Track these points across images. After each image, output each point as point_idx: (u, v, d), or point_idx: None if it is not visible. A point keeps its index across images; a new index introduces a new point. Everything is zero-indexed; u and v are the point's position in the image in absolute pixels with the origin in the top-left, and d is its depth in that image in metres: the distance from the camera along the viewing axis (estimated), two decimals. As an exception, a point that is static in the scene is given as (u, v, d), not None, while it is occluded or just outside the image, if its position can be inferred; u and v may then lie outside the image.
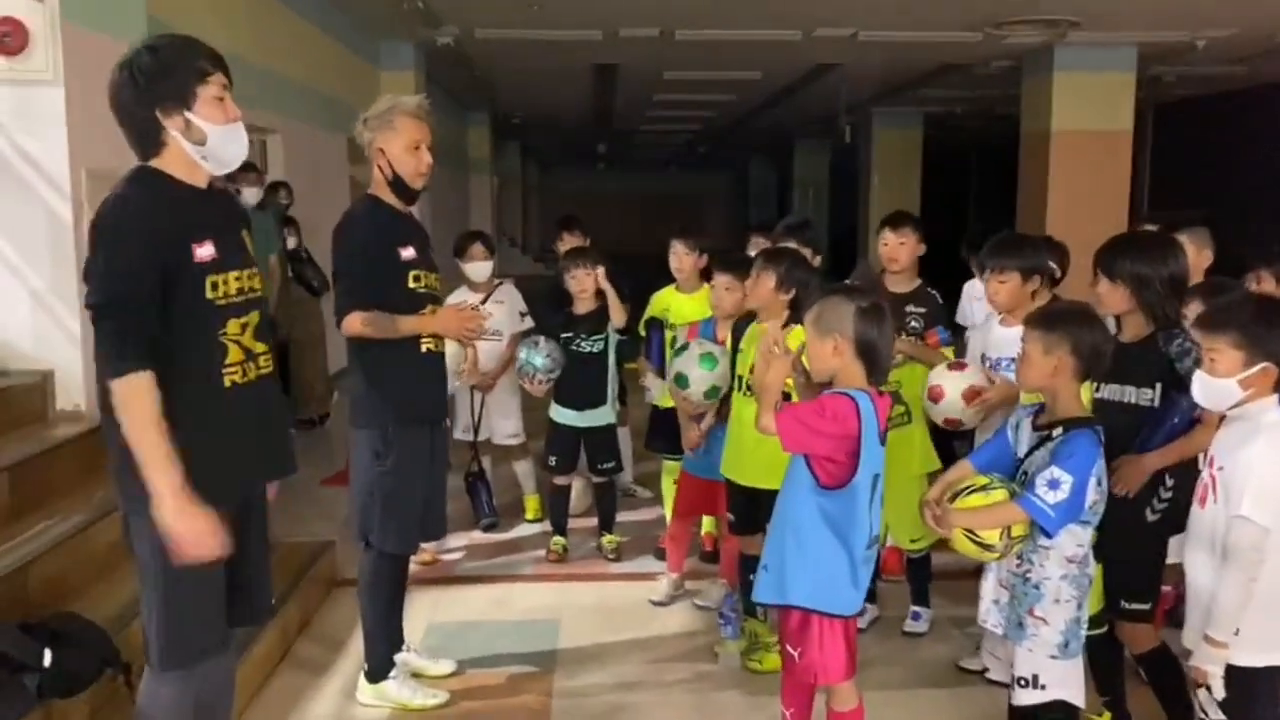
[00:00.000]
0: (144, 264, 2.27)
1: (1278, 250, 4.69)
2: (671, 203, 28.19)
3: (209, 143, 2.38)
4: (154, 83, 2.33)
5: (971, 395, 3.57)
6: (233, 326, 2.42)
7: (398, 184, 3.30)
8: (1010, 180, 11.30)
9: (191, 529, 2.25)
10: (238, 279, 2.44)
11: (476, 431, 5.21)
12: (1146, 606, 2.97)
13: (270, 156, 7.84)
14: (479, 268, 5.10)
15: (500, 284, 5.28)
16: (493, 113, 17.16)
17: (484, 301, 5.12)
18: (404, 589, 3.60)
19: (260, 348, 2.50)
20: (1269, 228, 11.06)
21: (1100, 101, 10.19)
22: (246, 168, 6.50)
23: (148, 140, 2.37)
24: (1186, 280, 3.14)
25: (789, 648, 2.80)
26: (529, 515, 5.41)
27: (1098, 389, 3.01)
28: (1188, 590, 2.67)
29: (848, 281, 4.34)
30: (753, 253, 4.41)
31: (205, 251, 2.36)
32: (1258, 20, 8.66)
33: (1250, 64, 10.70)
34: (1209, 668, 2.52)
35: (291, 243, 7.05)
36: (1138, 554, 2.95)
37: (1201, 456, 2.76)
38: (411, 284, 3.31)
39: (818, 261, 4.23)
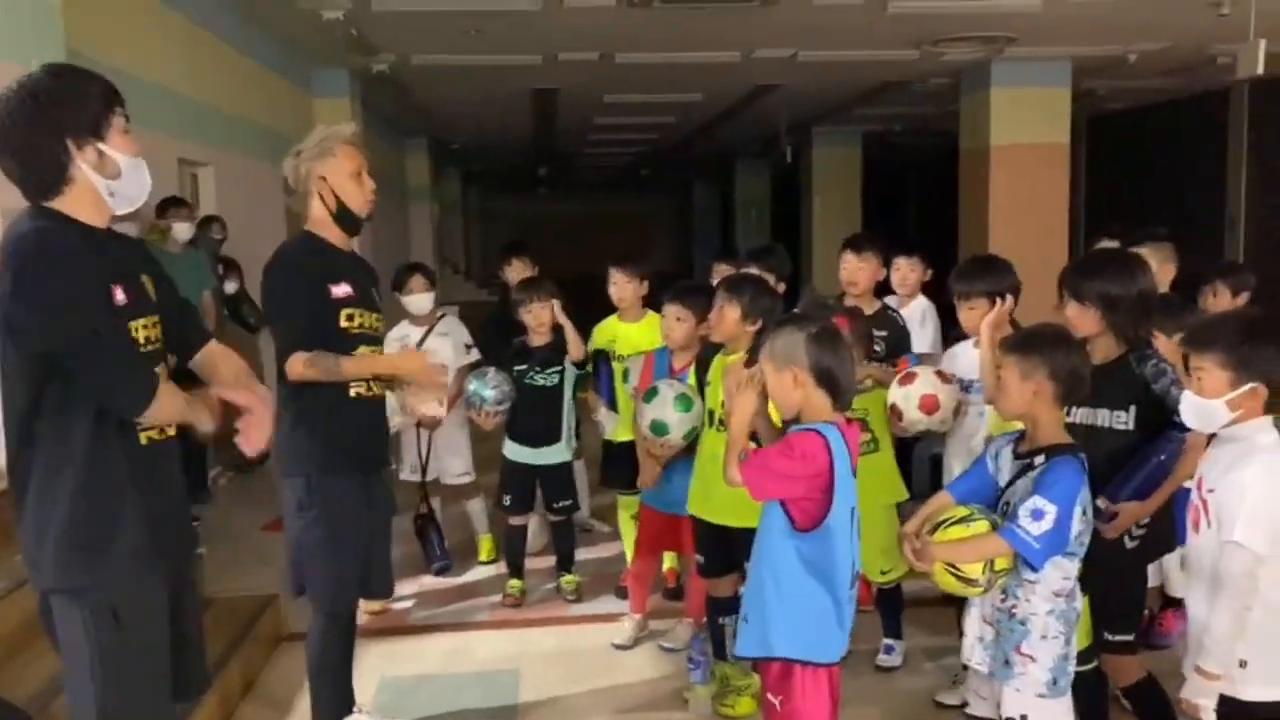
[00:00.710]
0: (85, 291, 2.08)
1: (1228, 262, 4.72)
2: (615, 224, 28.06)
3: (122, 176, 2.18)
4: (64, 109, 2.11)
5: (930, 405, 3.48)
6: None
7: (343, 214, 3.09)
8: (950, 195, 11.38)
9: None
10: (144, 327, 2.24)
11: (425, 471, 5.01)
12: (1130, 637, 2.88)
13: (202, 190, 7.56)
14: (419, 300, 4.91)
15: (443, 316, 5.10)
16: (431, 139, 16.92)
17: (426, 335, 4.95)
18: (352, 646, 3.38)
19: None
20: (1206, 241, 11.27)
21: (1037, 115, 10.29)
22: (177, 203, 6.25)
23: (52, 175, 2.13)
24: (1155, 297, 3.08)
25: (770, 696, 2.65)
26: (483, 557, 5.20)
27: (1068, 413, 2.92)
28: (1189, 622, 2.57)
29: (795, 310, 4.21)
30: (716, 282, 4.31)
31: (121, 296, 2.17)
32: (1189, 33, 8.78)
33: (1182, 76, 10.89)
34: (1201, 700, 2.43)
35: (231, 287, 6.79)
36: (1118, 583, 2.86)
37: None
38: (344, 323, 3.06)
39: (781, 288, 4.12)
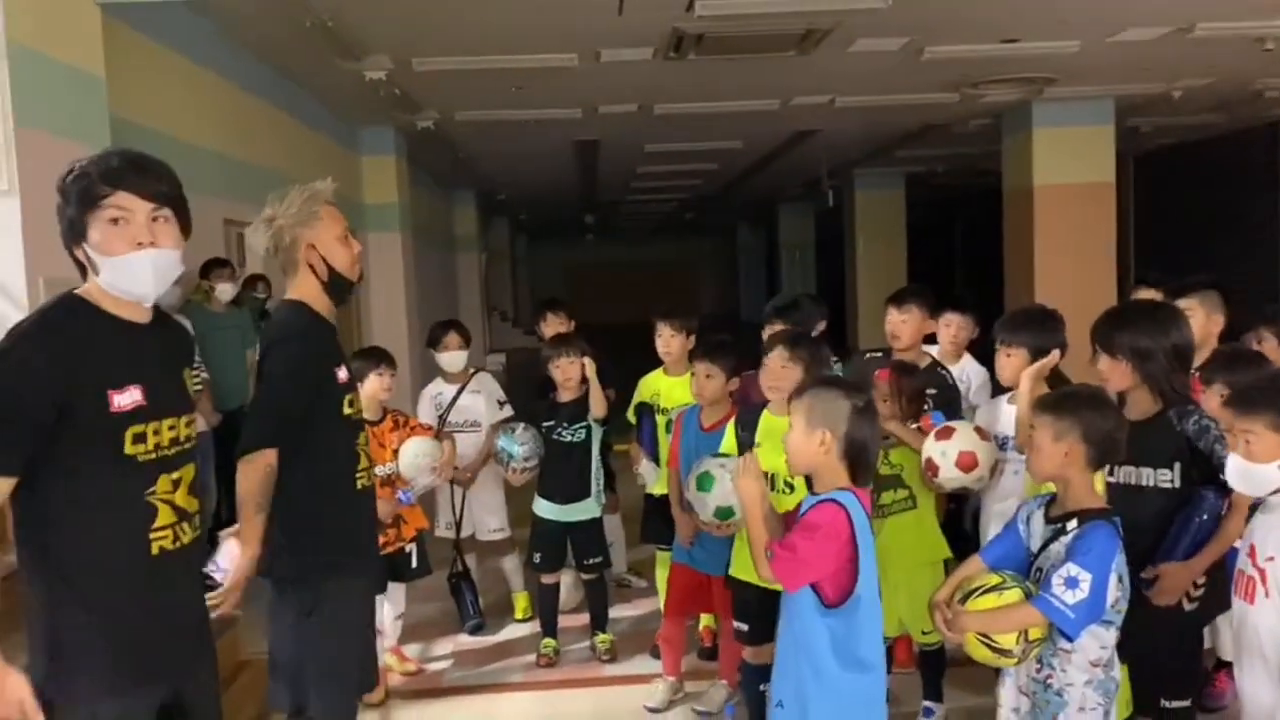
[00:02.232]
0: (43, 376, 2.00)
1: (1273, 306, 4.56)
2: (662, 269, 28.28)
3: (102, 276, 2.11)
4: (61, 216, 2.14)
5: (968, 462, 3.38)
6: (163, 483, 2.14)
7: (335, 282, 2.80)
8: (996, 234, 11.25)
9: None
10: (172, 428, 2.16)
11: (459, 528, 4.99)
12: (1188, 703, 2.76)
13: (248, 250, 7.72)
14: (454, 358, 4.94)
15: (475, 373, 5.11)
16: (478, 190, 17.18)
17: (460, 393, 4.97)
18: None
19: (193, 506, 2.22)
20: (1260, 275, 10.97)
21: (1081, 155, 10.16)
22: (220, 264, 6.39)
23: (82, 272, 2.18)
24: (1191, 350, 2.98)
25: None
26: (518, 614, 5.15)
27: (1111, 473, 2.83)
28: (1244, 701, 2.45)
29: (842, 375, 4.07)
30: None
31: (127, 399, 2.07)
32: (1233, 68, 8.63)
33: (1229, 111, 10.70)
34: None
35: None
36: (1176, 648, 2.75)
37: None
38: (347, 410, 2.82)
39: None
